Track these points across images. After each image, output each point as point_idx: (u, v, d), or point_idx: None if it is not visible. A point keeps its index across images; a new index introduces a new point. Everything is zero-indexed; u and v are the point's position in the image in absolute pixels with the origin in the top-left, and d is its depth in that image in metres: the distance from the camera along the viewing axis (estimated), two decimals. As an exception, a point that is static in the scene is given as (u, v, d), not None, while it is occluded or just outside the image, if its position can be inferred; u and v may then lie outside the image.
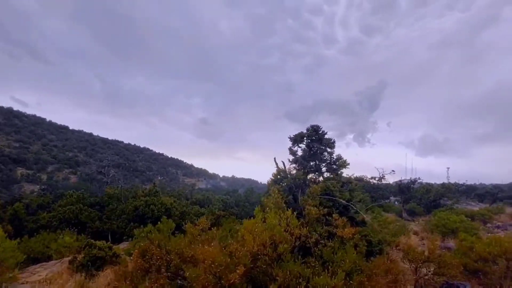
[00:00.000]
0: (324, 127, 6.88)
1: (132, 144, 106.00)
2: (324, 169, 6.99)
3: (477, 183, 55.03)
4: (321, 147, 7.02)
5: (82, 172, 68.21)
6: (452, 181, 49.05)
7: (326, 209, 5.87)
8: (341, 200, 5.64)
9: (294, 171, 6.70)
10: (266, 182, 25.25)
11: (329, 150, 7.23)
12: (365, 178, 38.75)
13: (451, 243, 11.82)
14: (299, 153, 7.13)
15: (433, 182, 35.11)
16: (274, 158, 6.92)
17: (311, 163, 6.99)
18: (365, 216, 6.40)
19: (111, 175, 25.38)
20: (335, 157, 7.34)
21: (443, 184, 26.52)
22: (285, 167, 6.81)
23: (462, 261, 5.63)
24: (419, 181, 22.74)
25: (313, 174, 7.03)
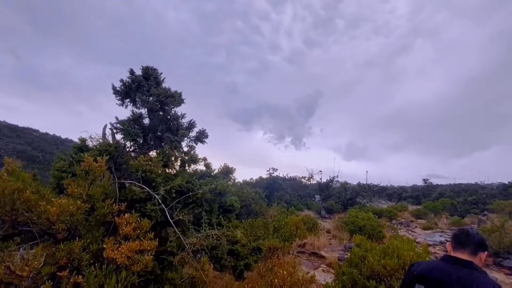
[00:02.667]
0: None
1: (51, 134, 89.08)
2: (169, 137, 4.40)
3: (388, 185, 60.87)
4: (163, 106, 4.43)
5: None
6: (369, 182, 53.09)
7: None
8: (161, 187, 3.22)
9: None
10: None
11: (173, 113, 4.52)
12: (297, 178, 37.78)
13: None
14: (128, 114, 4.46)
15: (352, 183, 36.61)
16: (104, 127, 4.17)
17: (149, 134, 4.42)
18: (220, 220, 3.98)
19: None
20: (185, 124, 4.80)
21: (358, 184, 27.29)
22: (114, 137, 4.12)
23: (350, 278, 3.69)
24: (336, 179, 22.56)
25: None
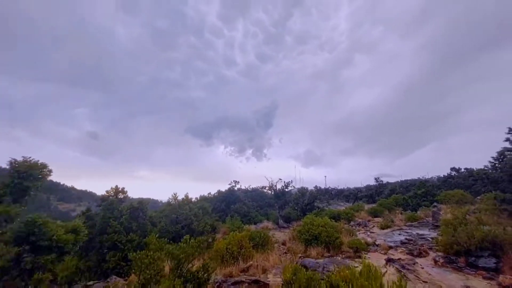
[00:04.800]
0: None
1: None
2: None
3: (345, 187, 62.03)
4: None
5: None
6: (328, 186, 53.47)
7: None
8: None
9: None
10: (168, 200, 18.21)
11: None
12: (259, 189, 35.38)
13: (310, 257, 8.71)
14: None
15: (310, 187, 35.60)
16: None
17: None
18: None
19: None
20: None
21: (315, 187, 26.05)
22: None
23: None
24: (292, 185, 20.91)
25: None
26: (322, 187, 52.46)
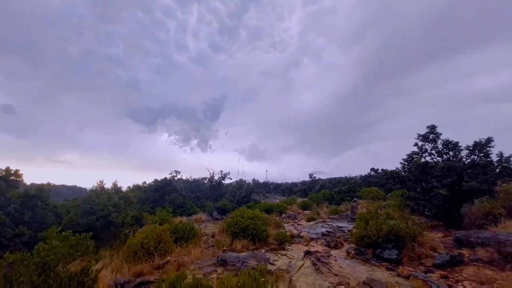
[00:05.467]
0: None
1: None
2: None
3: (283, 182, 65.04)
4: None
5: None
6: (268, 180, 55.07)
7: None
8: None
9: None
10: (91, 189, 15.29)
11: None
12: (200, 180, 33.74)
13: (235, 250, 8.34)
14: None
15: (249, 180, 35.91)
16: None
17: None
18: None
19: None
20: None
21: (253, 180, 26.24)
22: None
23: None
24: (228, 177, 20.52)
25: None
26: (261, 181, 53.90)
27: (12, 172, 7.87)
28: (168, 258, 7.33)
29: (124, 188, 26.98)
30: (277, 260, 7.09)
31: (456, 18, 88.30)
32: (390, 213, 8.85)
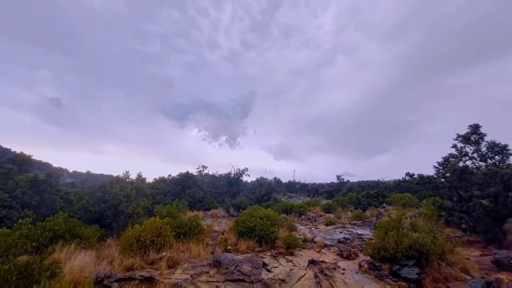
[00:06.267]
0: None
1: None
2: None
3: (311, 182, 63.03)
4: None
5: None
6: (293, 180, 53.86)
7: None
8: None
9: None
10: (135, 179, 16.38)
11: None
12: (225, 176, 33.92)
13: (230, 252, 7.76)
14: None
15: (272, 179, 35.13)
16: None
17: None
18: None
19: None
20: None
21: (275, 178, 25.47)
22: None
23: None
24: (246, 173, 19.98)
25: None
26: (287, 180, 52.78)
27: (24, 156, 8.19)
28: (164, 253, 6.99)
29: (150, 180, 27.93)
30: (276, 267, 6.36)
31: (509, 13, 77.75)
32: (417, 223, 7.57)
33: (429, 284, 4.97)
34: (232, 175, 18.82)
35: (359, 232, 11.16)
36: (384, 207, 19.89)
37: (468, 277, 5.15)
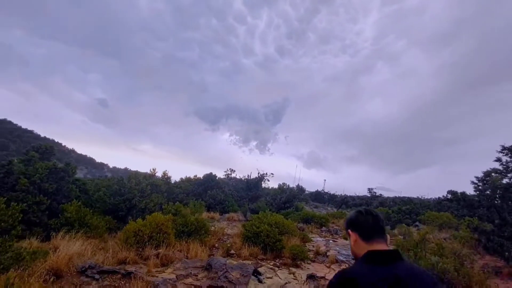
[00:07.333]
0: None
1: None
2: None
3: (341, 193, 59.96)
4: None
5: None
6: (322, 190, 51.87)
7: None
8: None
9: None
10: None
11: None
12: (249, 179, 33.70)
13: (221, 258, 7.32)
14: None
15: (308, 189, 34.05)
16: None
17: None
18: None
19: None
20: None
21: (297, 186, 24.54)
22: None
23: None
24: (267, 178, 19.41)
25: None
26: (316, 189, 50.88)
27: (48, 146, 8.78)
28: (160, 250, 6.83)
29: (177, 179, 28.77)
30: (271, 277, 5.79)
31: None
32: (446, 246, 6.43)
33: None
34: (250, 178, 18.42)
35: (380, 250, 9.99)
36: (417, 225, 17.90)
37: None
